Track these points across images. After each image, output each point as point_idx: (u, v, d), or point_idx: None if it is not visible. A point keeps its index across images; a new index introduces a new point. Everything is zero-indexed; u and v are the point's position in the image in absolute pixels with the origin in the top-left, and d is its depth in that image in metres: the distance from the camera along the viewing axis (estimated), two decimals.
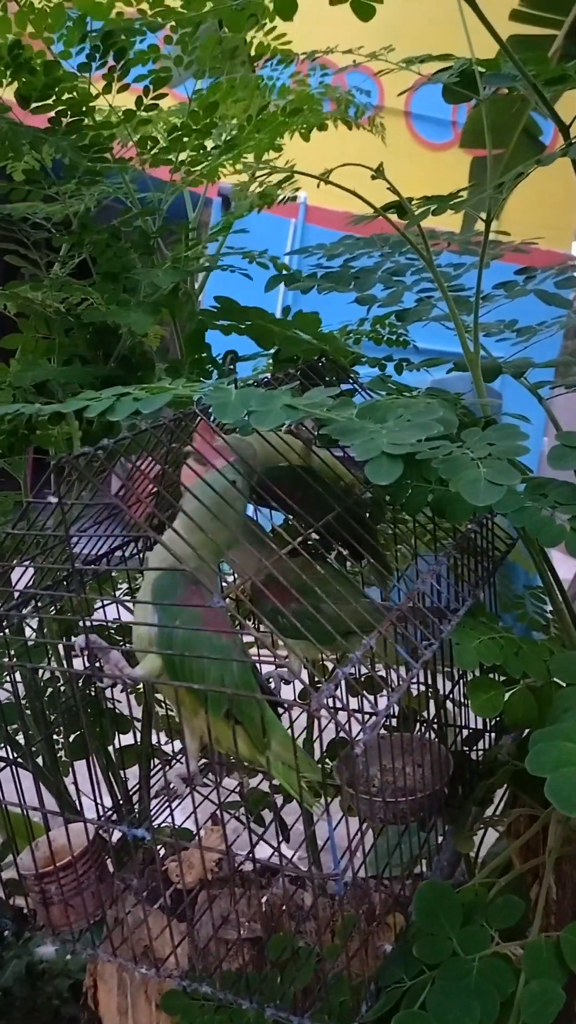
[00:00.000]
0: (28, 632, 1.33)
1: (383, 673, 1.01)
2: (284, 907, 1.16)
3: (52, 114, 1.19)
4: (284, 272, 1.41)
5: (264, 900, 1.17)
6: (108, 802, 1.39)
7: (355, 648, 0.86)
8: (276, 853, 0.97)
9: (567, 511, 0.97)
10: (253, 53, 1.24)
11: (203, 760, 1.25)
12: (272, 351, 1.44)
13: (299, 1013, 0.94)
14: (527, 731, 1.19)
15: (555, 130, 1.23)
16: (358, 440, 0.84)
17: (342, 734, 0.86)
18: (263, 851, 1.07)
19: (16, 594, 1.10)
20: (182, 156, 1.25)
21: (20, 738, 1.39)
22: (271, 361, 1.50)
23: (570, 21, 2.36)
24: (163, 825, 1.18)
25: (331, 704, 0.81)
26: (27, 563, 1.11)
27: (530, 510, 0.97)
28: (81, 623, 1.06)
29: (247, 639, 1.03)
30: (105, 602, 1.33)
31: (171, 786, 1.01)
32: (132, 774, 1.47)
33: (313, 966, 1.03)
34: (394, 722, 1.34)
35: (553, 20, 2.41)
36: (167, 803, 1.13)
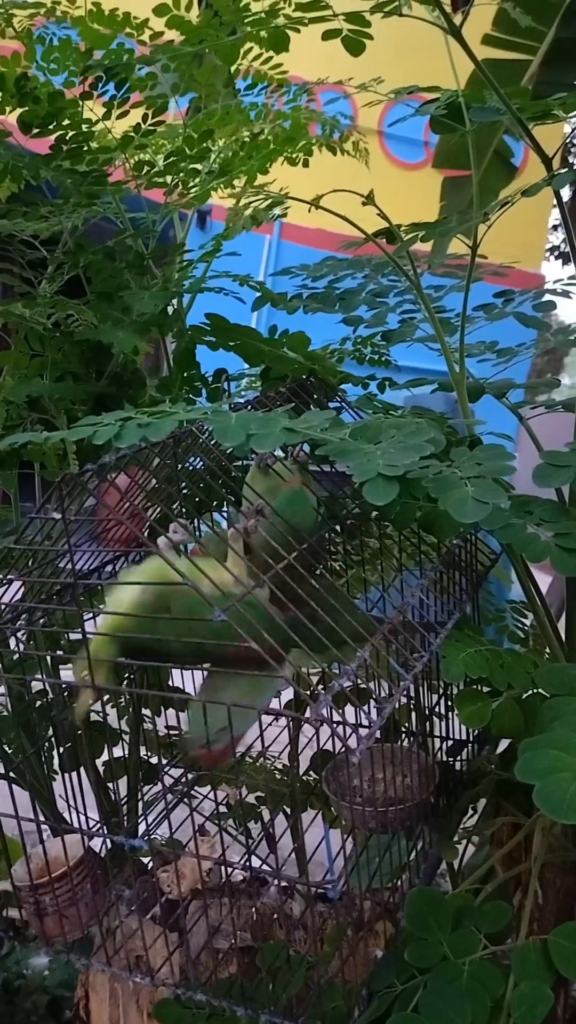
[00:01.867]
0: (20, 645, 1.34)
1: (373, 685, 1.03)
2: (275, 916, 1.18)
3: (52, 139, 1.22)
4: (270, 293, 1.44)
5: (255, 909, 1.18)
6: (96, 815, 1.40)
7: (348, 658, 0.88)
8: (265, 863, 0.99)
9: (551, 528, 1.00)
10: (251, 82, 1.28)
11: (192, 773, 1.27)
12: (260, 370, 1.47)
13: (292, 1019, 0.96)
14: (510, 742, 1.23)
15: (525, 151, 1.28)
16: (354, 461, 0.87)
17: (330, 745, 0.89)
18: (253, 862, 1.09)
19: (6, 608, 1.11)
20: (175, 179, 1.28)
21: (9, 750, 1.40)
22: (256, 378, 1.53)
23: (546, 48, 2.42)
24: (154, 836, 1.19)
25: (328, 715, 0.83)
26: (14, 577, 1.12)
27: (516, 527, 1.00)
28: (69, 637, 1.08)
29: None
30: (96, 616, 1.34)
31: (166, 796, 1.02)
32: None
33: (305, 973, 1.05)
34: (381, 733, 1.36)
35: (527, 46, 2.47)
36: (162, 813, 1.14)
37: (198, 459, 1.23)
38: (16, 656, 1.36)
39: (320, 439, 0.92)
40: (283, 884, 1.26)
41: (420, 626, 1.03)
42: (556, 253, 10.11)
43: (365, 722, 0.93)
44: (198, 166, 1.26)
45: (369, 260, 1.60)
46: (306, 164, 1.40)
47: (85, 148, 1.16)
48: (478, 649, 1.06)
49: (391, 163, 7.44)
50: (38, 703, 1.42)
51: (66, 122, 1.12)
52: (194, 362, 1.38)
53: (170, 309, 1.39)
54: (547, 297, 1.57)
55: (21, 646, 1.39)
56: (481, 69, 1.06)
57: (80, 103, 1.12)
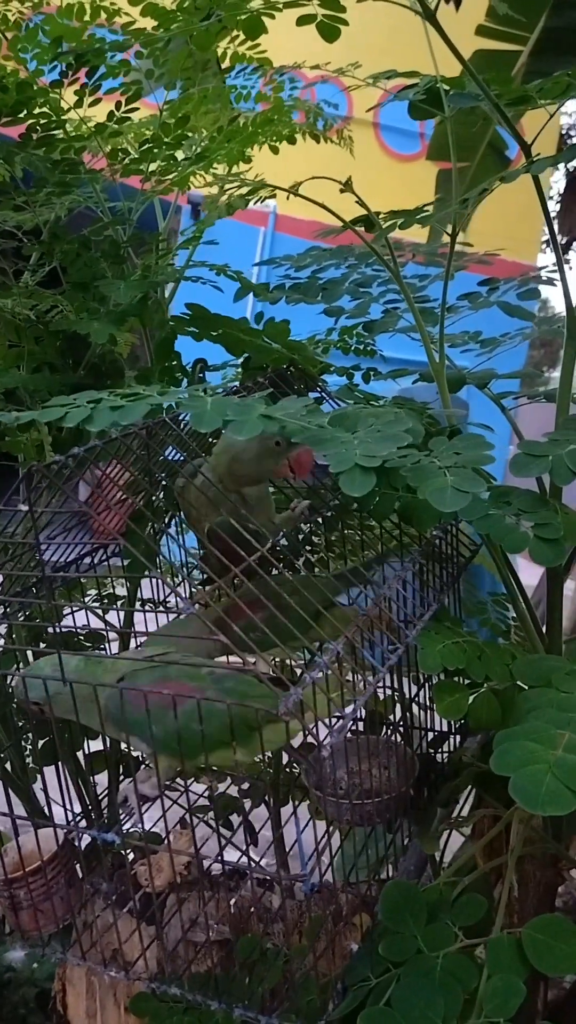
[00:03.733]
0: None
1: (353, 677, 1.03)
2: (252, 909, 1.17)
3: (23, 128, 1.21)
4: (250, 284, 1.43)
5: (232, 903, 1.18)
6: (77, 807, 1.39)
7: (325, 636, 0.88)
8: (244, 856, 0.98)
9: (530, 519, 1.00)
10: (228, 64, 1.26)
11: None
12: (241, 359, 1.46)
13: (267, 1013, 0.96)
14: (492, 733, 1.22)
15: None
16: (331, 450, 0.86)
17: (309, 738, 0.88)
18: (232, 855, 1.08)
19: None
20: (153, 166, 1.26)
21: None
22: (239, 370, 1.52)
23: (535, 38, 2.41)
24: (132, 829, 1.18)
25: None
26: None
27: (495, 517, 0.99)
28: (51, 630, 1.07)
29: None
30: (75, 608, 1.33)
31: (139, 793, 1.02)
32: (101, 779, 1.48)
33: (281, 966, 1.04)
34: (361, 725, 1.36)
35: (518, 36, 2.46)
36: (136, 808, 1.13)
37: (176, 452, 1.22)
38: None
39: (297, 427, 0.90)
40: (259, 877, 1.26)
41: (398, 618, 1.03)
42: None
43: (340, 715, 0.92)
44: (176, 152, 1.24)
45: (353, 250, 1.59)
46: (290, 142, 1.37)
47: (58, 136, 1.14)
48: (456, 640, 1.05)
49: (386, 155, 7.42)
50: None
51: (36, 111, 1.10)
52: (173, 352, 1.37)
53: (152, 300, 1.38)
54: (532, 285, 1.56)
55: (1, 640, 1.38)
56: (457, 54, 1.05)
57: (49, 91, 1.11)
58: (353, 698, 0.89)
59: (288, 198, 1.14)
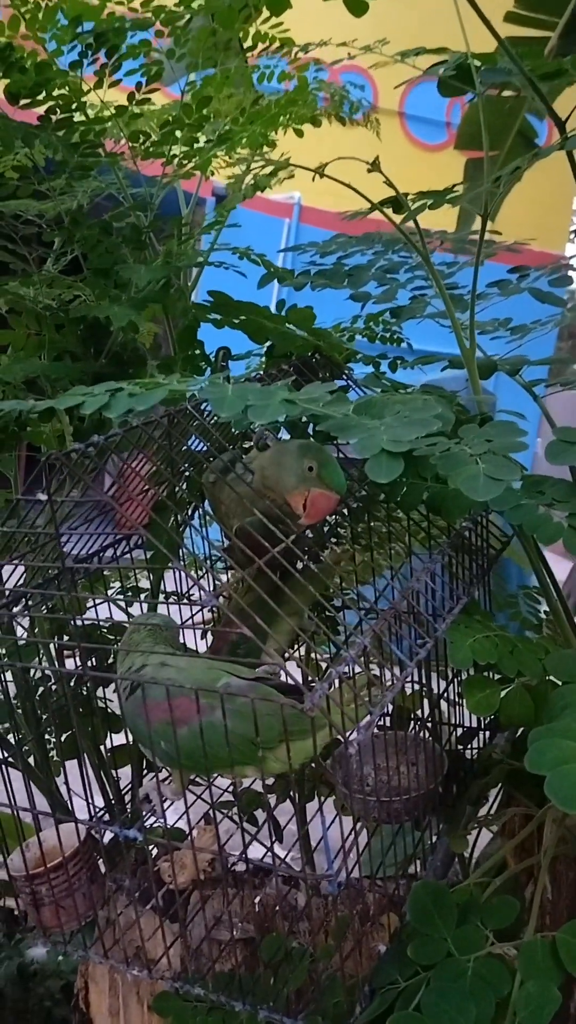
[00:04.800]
0: (19, 631, 1.32)
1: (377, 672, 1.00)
2: (277, 907, 1.15)
3: (42, 110, 1.18)
4: (274, 270, 1.40)
5: (257, 900, 1.16)
6: (100, 802, 1.38)
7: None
8: (269, 853, 0.96)
9: (564, 508, 0.96)
10: (250, 43, 1.23)
11: None
12: (265, 348, 1.43)
13: (292, 1015, 0.93)
14: (521, 730, 1.19)
15: (549, 131, 1.23)
16: (357, 437, 0.83)
17: (335, 734, 0.86)
18: (256, 851, 1.06)
19: (7, 592, 1.09)
20: (175, 150, 1.24)
21: (11, 738, 1.38)
22: (263, 358, 1.49)
23: (564, 21, 2.36)
24: (155, 825, 1.17)
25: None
26: (17, 562, 1.10)
27: (527, 507, 0.96)
28: (73, 623, 1.05)
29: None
30: (97, 601, 1.31)
31: (161, 794, 1.00)
32: (124, 774, 1.46)
33: (307, 967, 1.02)
34: (388, 721, 1.33)
35: (548, 22, 2.41)
36: (159, 805, 1.12)
37: (199, 442, 1.20)
38: (22, 642, 1.34)
39: (321, 414, 0.88)
40: (285, 875, 1.23)
41: (426, 612, 1.00)
42: None
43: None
44: (198, 135, 1.21)
45: (380, 236, 1.56)
46: (314, 124, 1.33)
47: (77, 119, 1.12)
48: (487, 635, 1.02)
49: (413, 144, 7.34)
50: (40, 690, 1.40)
51: (56, 92, 1.08)
52: (196, 341, 1.34)
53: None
54: (564, 272, 1.52)
55: (23, 632, 1.37)
56: (491, 28, 1.01)
57: (68, 73, 1.09)
58: (381, 693, 0.86)
59: (313, 179, 1.11)
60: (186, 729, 0.89)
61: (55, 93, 1.10)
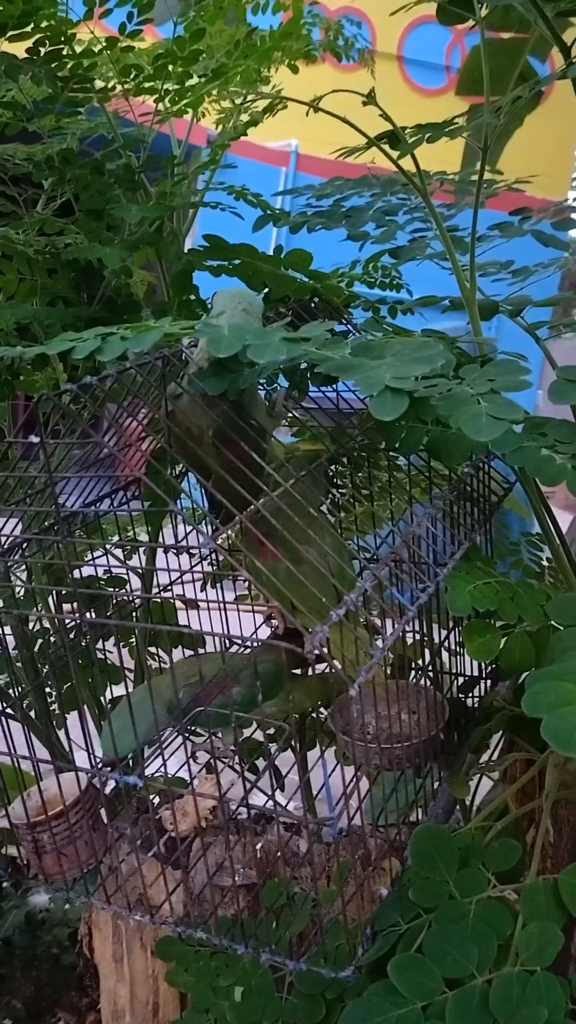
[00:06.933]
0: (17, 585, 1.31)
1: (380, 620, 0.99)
2: (279, 853, 1.15)
3: (31, 43, 1.14)
4: (270, 211, 1.37)
5: (259, 847, 1.16)
6: (100, 753, 1.38)
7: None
8: (270, 801, 0.95)
9: (567, 449, 0.94)
10: None
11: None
12: (262, 294, 1.40)
13: (295, 958, 0.94)
14: (523, 677, 1.18)
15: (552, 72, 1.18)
16: (359, 375, 0.81)
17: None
18: (258, 800, 1.06)
19: (3, 540, 1.07)
20: (168, 85, 1.20)
21: (11, 691, 1.38)
22: None
23: None
24: (156, 774, 1.17)
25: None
26: (12, 509, 1.08)
27: (529, 449, 0.94)
28: (70, 574, 1.04)
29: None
30: (95, 554, 1.30)
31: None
32: None
33: (309, 911, 1.02)
34: (389, 670, 1.33)
35: None
36: (160, 752, 1.11)
37: None
38: (21, 590, 1.33)
39: (319, 356, 0.85)
40: (286, 821, 1.24)
41: (428, 558, 0.98)
42: None
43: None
44: (191, 70, 1.17)
45: (377, 178, 1.52)
46: (309, 59, 1.29)
47: (66, 52, 1.08)
48: (487, 581, 1.01)
49: (412, 89, 7.19)
50: (39, 641, 1.39)
51: (44, 24, 1.04)
52: (191, 286, 1.31)
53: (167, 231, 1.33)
54: (567, 215, 1.48)
55: (18, 580, 1.36)
56: None
57: (57, 2, 1.05)
58: (382, 638, 0.85)
59: (308, 113, 1.07)
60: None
61: (43, 25, 1.06)
